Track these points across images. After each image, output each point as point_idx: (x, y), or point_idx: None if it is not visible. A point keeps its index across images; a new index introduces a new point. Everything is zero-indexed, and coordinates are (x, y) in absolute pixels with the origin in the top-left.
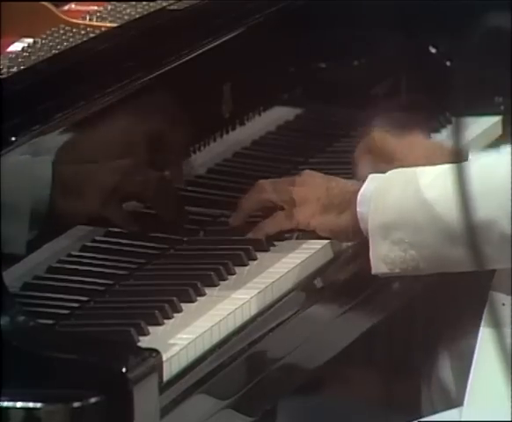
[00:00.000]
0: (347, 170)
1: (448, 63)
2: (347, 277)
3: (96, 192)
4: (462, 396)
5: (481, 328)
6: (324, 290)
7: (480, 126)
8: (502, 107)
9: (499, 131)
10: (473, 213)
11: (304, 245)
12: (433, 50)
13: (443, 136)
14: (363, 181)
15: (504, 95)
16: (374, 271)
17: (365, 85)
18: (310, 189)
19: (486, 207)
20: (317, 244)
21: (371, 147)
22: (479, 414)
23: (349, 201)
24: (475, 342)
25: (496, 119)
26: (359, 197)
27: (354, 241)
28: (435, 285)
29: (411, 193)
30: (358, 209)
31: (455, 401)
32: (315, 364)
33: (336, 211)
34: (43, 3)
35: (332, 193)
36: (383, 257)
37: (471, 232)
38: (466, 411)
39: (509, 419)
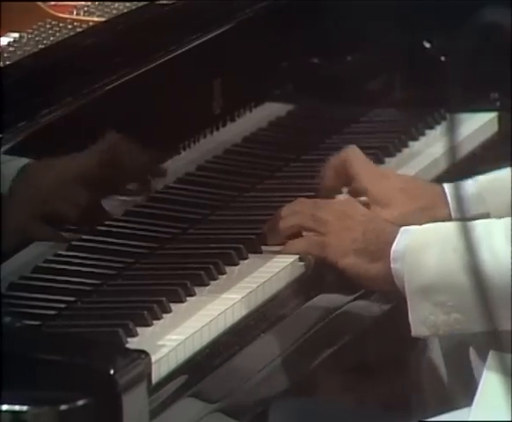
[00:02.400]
0: None
1: (442, 58)
2: (339, 277)
3: (77, 189)
4: (457, 394)
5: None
6: (316, 290)
7: (476, 122)
8: (498, 103)
9: (495, 128)
10: None
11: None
12: (427, 45)
13: (437, 133)
14: (398, 230)
15: (500, 91)
16: (414, 333)
17: (358, 81)
18: (347, 226)
19: None
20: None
21: (342, 162)
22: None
23: (383, 252)
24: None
25: (492, 115)
26: (392, 253)
27: (383, 291)
28: None
29: (451, 254)
30: (392, 266)
31: (449, 397)
32: (307, 366)
33: (369, 258)
34: None
35: (368, 238)
36: (423, 319)
37: None
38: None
39: (509, 419)
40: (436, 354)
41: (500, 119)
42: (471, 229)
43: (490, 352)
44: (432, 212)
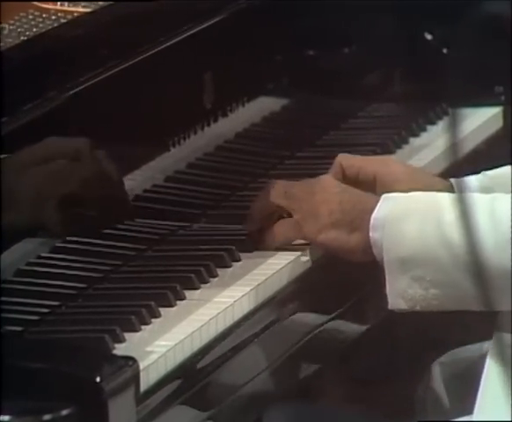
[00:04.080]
0: None
1: (445, 51)
2: (336, 280)
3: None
4: (457, 409)
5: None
6: (313, 293)
7: (479, 117)
8: (503, 97)
9: (499, 123)
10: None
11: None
12: (429, 36)
13: (439, 129)
14: (377, 198)
15: (505, 84)
16: (391, 306)
17: (356, 74)
18: (323, 200)
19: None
20: (304, 245)
21: (341, 172)
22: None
23: (361, 221)
24: (473, 364)
25: (496, 110)
26: (372, 220)
27: (362, 261)
28: None
29: (432, 229)
30: (371, 234)
31: (449, 413)
32: (303, 373)
33: (347, 229)
34: None
35: (345, 208)
36: (401, 292)
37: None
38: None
39: (509, 419)
40: (438, 383)
41: (504, 113)
42: (467, 200)
43: (490, 349)
44: None
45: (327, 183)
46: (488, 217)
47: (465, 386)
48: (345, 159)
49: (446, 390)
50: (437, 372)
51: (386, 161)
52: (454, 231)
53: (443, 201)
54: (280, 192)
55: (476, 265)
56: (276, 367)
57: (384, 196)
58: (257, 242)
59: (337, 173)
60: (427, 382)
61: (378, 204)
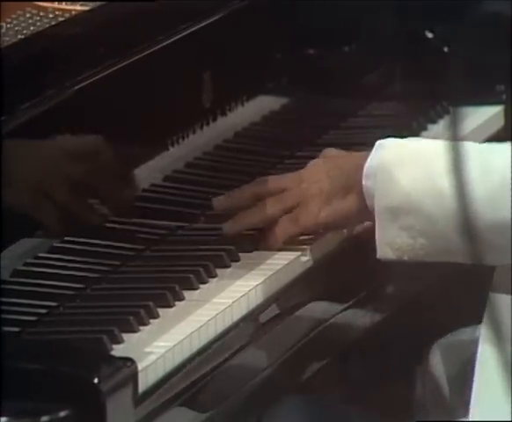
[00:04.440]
0: None
1: (445, 49)
2: (339, 278)
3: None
4: (458, 406)
5: (480, 341)
6: (313, 293)
7: (480, 116)
8: (504, 96)
9: (501, 122)
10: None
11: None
12: (429, 35)
13: (440, 128)
14: (365, 153)
15: (506, 83)
16: (379, 255)
17: (356, 73)
18: (310, 184)
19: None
20: (306, 243)
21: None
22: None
23: (353, 178)
24: (471, 348)
25: (498, 109)
26: (365, 169)
27: (365, 220)
28: (431, 287)
29: (423, 178)
30: (364, 183)
31: (450, 409)
32: (304, 373)
33: (340, 194)
34: None
35: (332, 176)
36: (389, 241)
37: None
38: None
39: (509, 419)
40: (439, 371)
41: (506, 112)
42: (460, 148)
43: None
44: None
45: (311, 166)
46: (480, 167)
47: (465, 368)
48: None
49: (445, 373)
50: (436, 355)
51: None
52: (444, 181)
53: (436, 149)
54: (266, 196)
55: (465, 216)
56: (276, 369)
57: (378, 143)
58: (258, 243)
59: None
60: (425, 366)
61: (372, 151)
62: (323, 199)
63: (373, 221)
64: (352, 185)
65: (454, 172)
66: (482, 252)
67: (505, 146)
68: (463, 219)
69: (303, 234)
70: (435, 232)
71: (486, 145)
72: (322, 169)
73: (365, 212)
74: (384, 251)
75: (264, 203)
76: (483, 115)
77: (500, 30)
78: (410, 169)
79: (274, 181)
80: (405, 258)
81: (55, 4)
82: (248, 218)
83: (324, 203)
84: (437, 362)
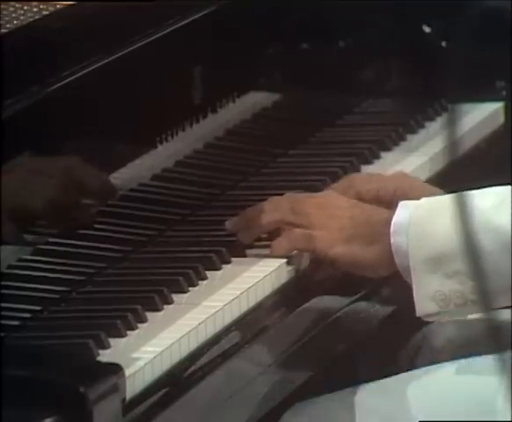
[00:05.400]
0: (332, 163)
1: (443, 44)
2: (331, 282)
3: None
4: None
5: None
6: (306, 296)
7: (480, 113)
8: (504, 93)
9: (501, 119)
10: None
11: None
12: (427, 29)
13: (438, 125)
14: (390, 211)
15: (506, 79)
16: (419, 313)
17: (351, 69)
18: (331, 215)
19: None
20: None
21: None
22: None
23: (380, 232)
24: None
25: (498, 105)
26: (393, 226)
27: (382, 275)
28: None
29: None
30: (393, 240)
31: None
32: (297, 380)
33: (363, 242)
34: None
35: (357, 222)
36: (432, 293)
37: None
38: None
39: (509, 419)
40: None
41: (506, 109)
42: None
43: None
44: None
45: (335, 198)
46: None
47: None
48: (360, 184)
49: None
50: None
51: (403, 175)
52: (499, 216)
53: (474, 191)
54: (285, 207)
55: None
56: (269, 374)
57: (402, 203)
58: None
59: (349, 196)
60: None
61: (397, 211)
62: (342, 236)
63: (390, 277)
64: (378, 238)
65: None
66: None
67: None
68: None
69: (308, 254)
70: (490, 270)
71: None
72: (346, 209)
73: (386, 267)
74: (425, 306)
75: (278, 207)
76: (482, 112)
77: (500, 24)
78: (448, 213)
79: (293, 201)
80: (452, 306)
81: None
82: (260, 220)
83: (341, 241)
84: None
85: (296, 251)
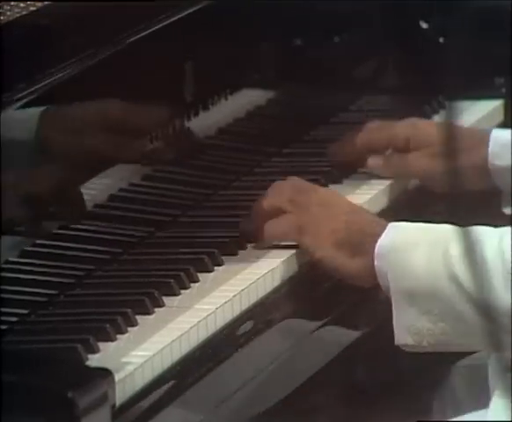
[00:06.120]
0: (327, 162)
1: (441, 40)
2: (326, 285)
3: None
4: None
5: None
6: (301, 299)
7: (479, 111)
8: (504, 89)
9: (500, 117)
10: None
11: (278, 248)
12: (424, 25)
13: None
14: (385, 225)
15: (506, 75)
16: (398, 342)
17: (347, 65)
18: (329, 215)
19: None
20: (291, 248)
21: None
22: None
23: (366, 247)
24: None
25: (497, 103)
26: (377, 248)
27: (361, 286)
28: None
29: (439, 262)
30: (376, 263)
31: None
32: (292, 384)
33: (349, 251)
34: None
35: (351, 229)
36: (408, 326)
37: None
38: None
39: (510, 419)
40: (459, 388)
41: (506, 107)
42: (473, 235)
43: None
44: (470, 156)
45: (339, 199)
46: (496, 254)
47: (486, 391)
48: (371, 133)
49: (467, 395)
50: (458, 376)
51: (414, 122)
52: (460, 268)
53: (449, 233)
54: (286, 196)
55: (482, 304)
56: (263, 379)
57: (391, 225)
58: (251, 236)
59: (362, 145)
60: (446, 388)
61: (385, 231)
62: (331, 239)
63: (373, 288)
64: (362, 252)
65: (468, 257)
66: (502, 339)
67: None
68: (481, 307)
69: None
70: (455, 316)
71: (500, 230)
72: (345, 214)
73: (369, 281)
74: (402, 336)
75: (278, 193)
76: (481, 110)
77: (498, 19)
78: (426, 250)
79: (294, 191)
80: (425, 343)
81: None
82: (260, 203)
83: (329, 244)
84: (458, 383)
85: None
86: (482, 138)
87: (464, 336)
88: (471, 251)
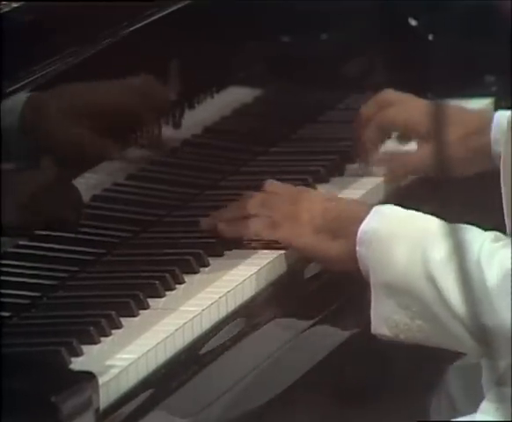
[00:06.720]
0: (314, 161)
1: (430, 37)
2: (313, 285)
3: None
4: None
5: None
6: (287, 300)
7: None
8: (495, 88)
9: None
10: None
11: (264, 250)
12: (413, 22)
13: None
14: (366, 207)
15: (496, 73)
16: (374, 331)
17: (335, 63)
18: (303, 208)
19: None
20: (277, 249)
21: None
22: None
23: (347, 231)
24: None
25: (487, 101)
26: (359, 234)
27: (342, 271)
28: None
29: (418, 263)
30: (357, 248)
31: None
32: (279, 386)
33: (329, 236)
34: None
35: (328, 216)
36: (385, 318)
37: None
38: None
39: (510, 419)
40: (454, 390)
41: (496, 105)
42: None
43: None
44: (472, 141)
45: (309, 192)
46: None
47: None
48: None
49: (464, 397)
50: (453, 377)
51: (416, 111)
52: (440, 274)
53: (434, 235)
54: (256, 201)
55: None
56: (249, 382)
57: (376, 209)
58: (227, 239)
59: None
60: (441, 390)
61: (368, 216)
62: (310, 228)
63: (354, 273)
64: (342, 235)
65: (455, 256)
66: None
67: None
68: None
69: (271, 243)
70: (432, 317)
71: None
72: (321, 202)
73: (350, 265)
74: (379, 327)
75: (250, 199)
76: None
77: (488, 16)
78: (406, 247)
79: (263, 193)
80: (402, 337)
81: None
82: (227, 211)
83: (308, 231)
84: (454, 384)
85: None
86: (485, 122)
87: (441, 336)
88: (455, 255)
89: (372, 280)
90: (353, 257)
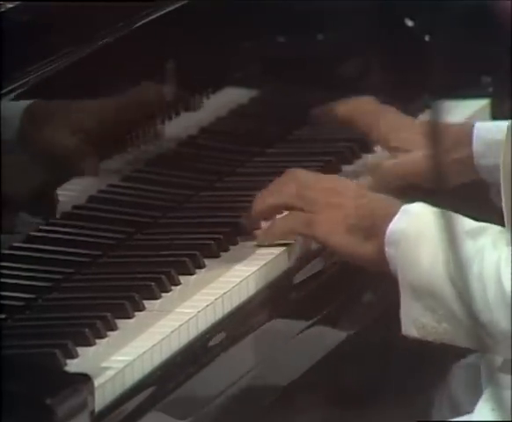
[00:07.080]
0: (311, 162)
1: (427, 38)
2: (309, 286)
3: None
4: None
5: None
6: (284, 301)
7: (465, 110)
8: (491, 89)
9: (487, 116)
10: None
11: (261, 250)
12: (409, 23)
13: None
14: (397, 205)
15: (493, 74)
16: (404, 331)
17: (331, 64)
18: (337, 203)
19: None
20: (275, 250)
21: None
22: None
23: (378, 230)
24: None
25: (484, 102)
26: (388, 234)
27: (374, 271)
28: None
29: (441, 264)
30: (386, 249)
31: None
32: (275, 389)
33: (362, 235)
34: None
35: (361, 213)
36: (413, 319)
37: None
38: None
39: (510, 419)
40: (458, 389)
41: (492, 106)
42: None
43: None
44: (454, 153)
45: (345, 186)
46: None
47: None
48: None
49: (468, 396)
50: (455, 378)
51: (398, 126)
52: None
53: (461, 230)
54: (292, 192)
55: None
56: (245, 384)
57: (404, 208)
58: (254, 230)
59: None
60: (444, 388)
61: (397, 216)
62: (343, 226)
63: (385, 274)
64: (374, 235)
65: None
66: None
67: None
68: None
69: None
70: (456, 319)
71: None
72: (353, 199)
73: (378, 267)
74: (408, 328)
75: (283, 190)
76: (467, 109)
77: (485, 17)
78: (431, 248)
79: (300, 185)
80: (430, 339)
81: None
82: (263, 203)
83: (342, 230)
84: (458, 383)
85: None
86: (465, 135)
87: (466, 340)
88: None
89: (400, 281)
90: (384, 258)
